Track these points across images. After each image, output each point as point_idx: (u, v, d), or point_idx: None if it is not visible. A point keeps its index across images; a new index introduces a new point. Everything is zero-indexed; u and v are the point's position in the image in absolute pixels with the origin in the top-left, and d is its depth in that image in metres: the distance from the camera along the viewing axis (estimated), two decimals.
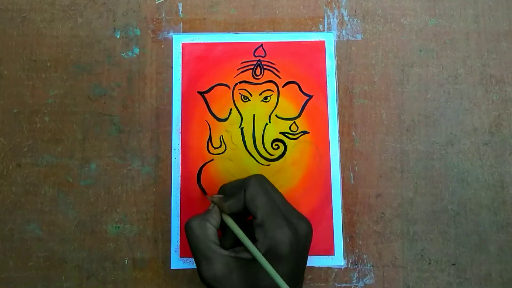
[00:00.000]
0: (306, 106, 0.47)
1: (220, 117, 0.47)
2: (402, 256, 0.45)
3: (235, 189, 0.39)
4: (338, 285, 0.44)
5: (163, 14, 0.49)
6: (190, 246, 0.37)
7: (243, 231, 0.37)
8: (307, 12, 0.49)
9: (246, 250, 0.36)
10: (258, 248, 0.35)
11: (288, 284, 0.34)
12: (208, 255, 0.35)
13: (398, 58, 0.48)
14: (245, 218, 0.40)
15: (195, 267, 0.44)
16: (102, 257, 0.45)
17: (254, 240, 0.36)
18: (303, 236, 0.37)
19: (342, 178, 0.46)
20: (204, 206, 0.45)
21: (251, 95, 0.47)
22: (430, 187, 0.46)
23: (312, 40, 0.48)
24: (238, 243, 0.37)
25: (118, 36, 0.48)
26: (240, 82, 0.47)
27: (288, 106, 0.47)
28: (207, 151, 0.46)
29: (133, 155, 0.46)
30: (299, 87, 0.47)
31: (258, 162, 0.46)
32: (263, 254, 0.35)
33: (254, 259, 0.35)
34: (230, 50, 0.48)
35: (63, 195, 0.45)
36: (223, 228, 0.39)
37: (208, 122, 0.47)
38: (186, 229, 0.37)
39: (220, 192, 0.41)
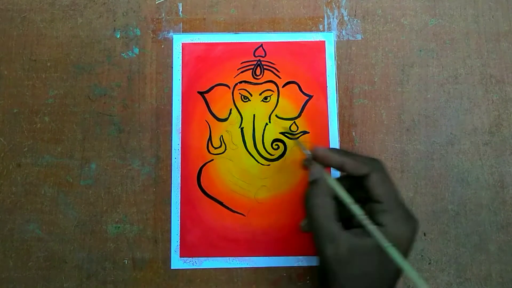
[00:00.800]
0: (306, 106, 0.47)
1: (220, 117, 0.47)
2: None
3: (352, 157, 0.36)
4: None
5: (163, 14, 0.49)
6: (313, 224, 0.35)
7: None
8: (307, 12, 0.49)
9: (368, 235, 0.34)
10: (382, 234, 0.34)
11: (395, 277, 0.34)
12: (333, 236, 0.34)
13: (398, 58, 0.48)
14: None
15: (195, 267, 0.44)
16: (102, 257, 0.45)
17: (375, 224, 0.34)
18: (416, 235, 0.36)
19: None
20: (204, 207, 0.45)
21: (251, 95, 0.47)
22: (430, 187, 0.46)
23: (312, 40, 0.48)
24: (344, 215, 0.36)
25: (118, 36, 0.48)
26: (240, 82, 0.47)
27: (288, 106, 0.47)
28: (207, 151, 0.46)
29: (133, 155, 0.46)
30: (299, 87, 0.47)
31: (258, 162, 0.46)
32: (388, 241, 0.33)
33: (377, 246, 0.33)
34: (230, 50, 0.48)
35: (63, 195, 0.45)
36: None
37: (208, 122, 0.47)
38: (309, 206, 0.35)
39: (336, 154, 0.37)
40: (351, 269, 0.34)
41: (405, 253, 0.34)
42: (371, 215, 0.35)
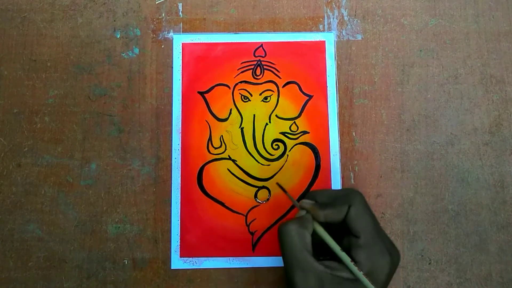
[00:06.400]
0: (306, 106, 0.47)
1: (220, 117, 0.47)
2: (402, 256, 0.45)
3: (332, 199, 0.37)
4: None
5: (163, 14, 0.49)
6: (285, 252, 0.34)
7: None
8: (307, 12, 0.49)
9: (343, 268, 0.34)
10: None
11: None
12: (305, 266, 0.33)
13: (398, 58, 0.48)
14: (332, 232, 0.37)
15: (195, 267, 0.44)
16: (102, 257, 0.45)
17: (351, 259, 0.34)
18: (396, 266, 0.35)
19: (342, 178, 0.46)
20: (204, 207, 0.45)
21: (251, 95, 0.47)
22: (430, 187, 0.46)
23: (312, 40, 0.48)
24: (326, 255, 0.36)
25: (118, 36, 0.48)
26: (240, 82, 0.47)
27: (288, 106, 0.47)
28: (207, 151, 0.46)
29: (133, 155, 0.46)
30: (299, 87, 0.47)
31: (258, 162, 0.46)
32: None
33: (350, 279, 0.34)
34: (230, 50, 0.48)
35: (63, 195, 0.45)
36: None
37: (208, 122, 0.47)
38: (282, 233, 0.35)
39: (309, 198, 0.38)
40: None
41: (383, 286, 0.34)
42: (349, 249, 0.35)
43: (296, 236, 0.34)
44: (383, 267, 0.34)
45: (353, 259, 0.34)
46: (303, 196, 0.43)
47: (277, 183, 0.42)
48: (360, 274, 0.33)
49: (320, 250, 0.36)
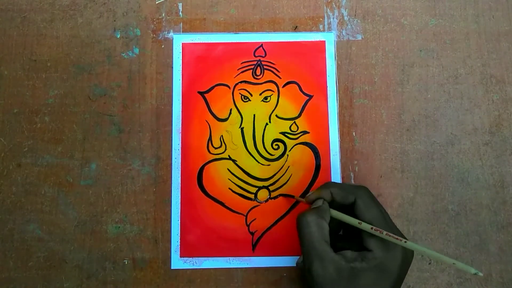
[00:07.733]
0: (306, 106, 0.47)
1: (220, 117, 0.47)
2: None
3: (343, 191, 0.38)
4: None
5: (163, 14, 0.49)
6: (304, 242, 0.35)
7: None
8: (307, 12, 0.49)
9: (358, 257, 0.35)
10: (369, 258, 0.34)
11: None
12: (323, 256, 0.34)
13: (398, 58, 0.48)
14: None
15: (195, 267, 0.44)
16: (102, 257, 0.45)
17: (362, 249, 0.35)
18: (410, 259, 0.36)
19: (342, 178, 0.46)
20: (204, 207, 0.45)
21: (251, 95, 0.47)
22: (430, 187, 0.46)
23: (312, 40, 0.48)
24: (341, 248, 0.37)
25: (118, 36, 0.48)
26: (240, 82, 0.47)
27: (288, 106, 0.47)
28: (207, 151, 0.46)
29: (133, 155, 0.46)
30: (299, 87, 0.47)
31: (258, 162, 0.46)
32: (374, 265, 0.34)
33: (365, 269, 0.34)
34: (230, 50, 0.48)
35: (63, 195, 0.45)
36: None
37: (208, 122, 0.47)
38: (301, 224, 0.36)
39: (325, 187, 0.39)
40: None
41: (396, 278, 0.34)
42: (361, 242, 0.36)
43: (315, 227, 0.35)
44: (395, 257, 0.34)
45: (366, 248, 0.35)
46: (303, 196, 0.44)
47: (282, 194, 0.44)
48: (389, 237, 0.34)
49: (335, 243, 0.37)
